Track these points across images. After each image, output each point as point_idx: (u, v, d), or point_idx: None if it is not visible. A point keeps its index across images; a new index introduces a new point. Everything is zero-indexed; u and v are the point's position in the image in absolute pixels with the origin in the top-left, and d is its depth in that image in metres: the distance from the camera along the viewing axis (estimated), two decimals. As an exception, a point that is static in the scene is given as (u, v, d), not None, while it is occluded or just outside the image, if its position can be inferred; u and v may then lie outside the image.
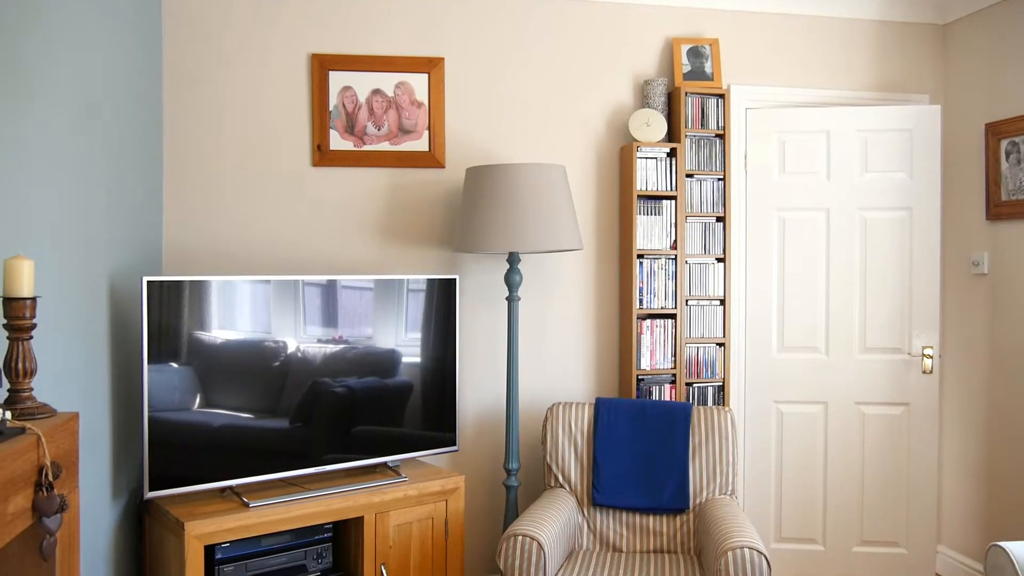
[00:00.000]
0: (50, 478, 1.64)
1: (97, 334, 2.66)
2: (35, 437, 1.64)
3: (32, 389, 1.80)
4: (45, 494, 1.63)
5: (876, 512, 4.01)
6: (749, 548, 2.67)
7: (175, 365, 2.84)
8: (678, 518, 3.29)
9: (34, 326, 1.79)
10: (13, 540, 1.75)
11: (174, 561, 2.79)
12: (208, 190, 3.55)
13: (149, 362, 2.78)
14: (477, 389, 3.85)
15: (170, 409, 2.83)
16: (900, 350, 4.00)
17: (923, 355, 3.96)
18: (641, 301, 3.77)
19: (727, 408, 3.39)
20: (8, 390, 1.79)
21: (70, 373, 2.41)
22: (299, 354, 3.09)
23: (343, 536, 3.25)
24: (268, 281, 3.03)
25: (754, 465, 4.05)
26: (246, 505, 2.91)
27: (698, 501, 3.30)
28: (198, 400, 2.89)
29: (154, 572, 2.97)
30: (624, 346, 3.88)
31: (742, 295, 4.05)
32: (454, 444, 3.46)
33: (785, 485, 4.04)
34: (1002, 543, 2.30)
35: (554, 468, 3.42)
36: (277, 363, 3.05)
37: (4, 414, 1.61)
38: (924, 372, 3.96)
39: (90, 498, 2.58)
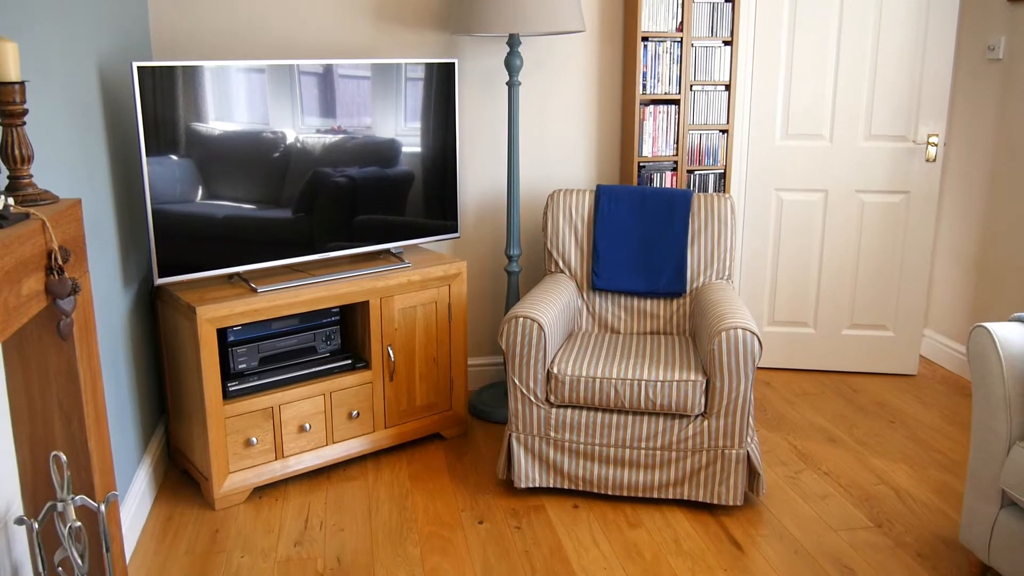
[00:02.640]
0: (59, 262, 1.68)
1: (91, 123, 2.62)
2: (40, 222, 1.65)
3: (32, 176, 1.79)
4: (56, 277, 1.67)
5: (867, 297, 4.12)
6: (742, 328, 2.77)
7: (174, 157, 2.82)
8: (675, 302, 3.39)
9: (26, 111, 1.75)
10: (32, 323, 1.81)
11: (189, 344, 2.90)
12: (192, -31, 3.37)
13: (148, 154, 2.76)
14: (478, 177, 3.84)
15: (173, 201, 2.84)
16: (905, 138, 3.95)
17: (928, 143, 3.91)
18: (644, 86, 3.68)
19: (727, 195, 3.39)
20: (8, 177, 1.78)
21: (68, 162, 2.39)
22: (299, 145, 3.06)
23: (350, 320, 3.36)
24: (263, 69, 2.95)
25: (752, 252, 4.12)
26: (254, 290, 2.99)
27: (695, 285, 3.38)
28: (200, 191, 2.89)
29: (171, 355, 3.10)
30: (626, 133, 3.83)
31: (748, 80, 3.95)
32: (456, 231, 3.50)
33: (781, 271, 4.13)
34: (986, 323, 2.38)
35: (555, 254, 3.48)
36: (277, 154, 3.02)
37: (7, 200, 1.62)
38: (927, 160, 3.93)
39: (102, 285, 2.65)
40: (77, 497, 1.77)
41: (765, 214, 4.07)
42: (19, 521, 1.70)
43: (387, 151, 3.27)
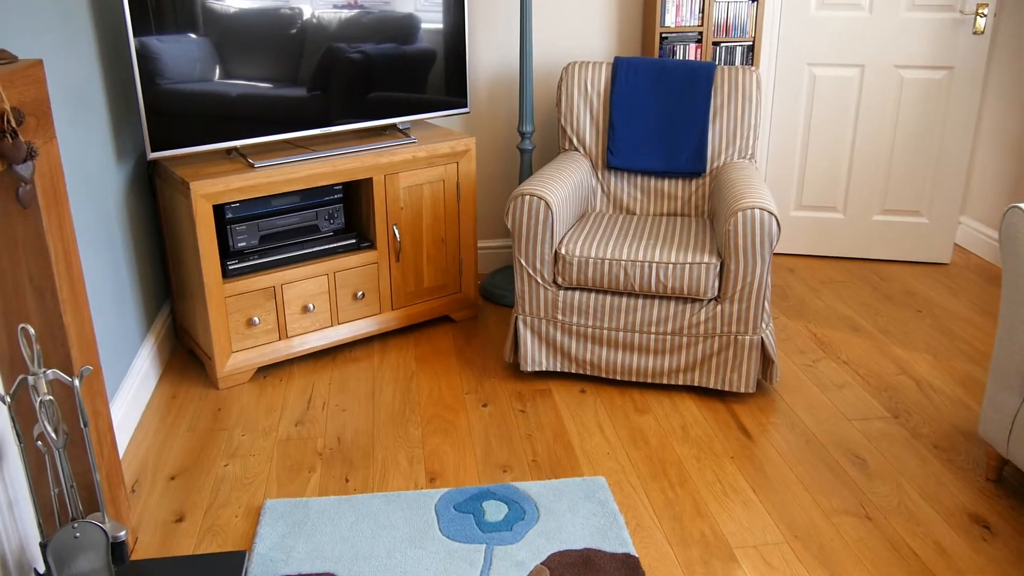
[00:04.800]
0: (12, 124, 1.57)
1: (71, -17, 2.47)
2: (-11, 81, 1.54)
3: (-15, 32, 1.67)
4: (10, 141, 1.56)
5: (901, 181, 3.91)
6: (760, 208, 2.61)
7: (171, 29, 2.66)
8: (694, 182, 3.22)
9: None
10: (-7, 189, 1.72)
11: (185, 221, 2.82)
12: None
13: (134, 22, 2.60)
14: (490, 50, 3.64)
15: (167, 72, 2.70)
16: (951, 7, 3.65)
17: (977, 13, 3.62)
18: (669, -50, 3.41)
19: (753, 68, 3.17)
20: (-41, 33, 1.66)
21: (39, 20, 2.26)
22: (314, 21, 2.88)
23: (355, 199, 3.25)
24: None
25: (779, 131, 3.91)
26: (251, 166, 2.88)
27: (715, 165, 3.20)
28: (197, 62, 2.75)
29: (171, 233, 3.02)
30: (648, 1, 3.58)
31: (784, -57, 3.65)
32: (465, 106, 3.33)
33: (811, 152, 3.92)
34: (1021, 204, 2.20)
35: (568, 131, 3.31)
36: (284, 26, 2.85)
37: (-49, 55, 1.50)
38: (975, 33, 3.64)
39: (91, 159, 2.55)
40: (48, 371, 1.71)
41: (795, 91, 3.84)
42: (-10, 394, 1.65)
43: (398, 23, 3.08)
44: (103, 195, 2.63)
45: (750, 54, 3.57)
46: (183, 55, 2.72)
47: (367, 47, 3.05)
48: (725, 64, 3.56)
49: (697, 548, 2.18)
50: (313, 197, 3.06)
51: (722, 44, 3.54)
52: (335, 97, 3.04)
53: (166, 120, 2.74)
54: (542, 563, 2.10)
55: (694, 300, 2.77)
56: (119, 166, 2.80)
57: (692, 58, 3.52)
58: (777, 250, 4.12)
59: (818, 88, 3.81)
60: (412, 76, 3.18)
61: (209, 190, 2.74)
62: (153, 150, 2.74)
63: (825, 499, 2.37)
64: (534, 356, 2.94)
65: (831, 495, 2.39)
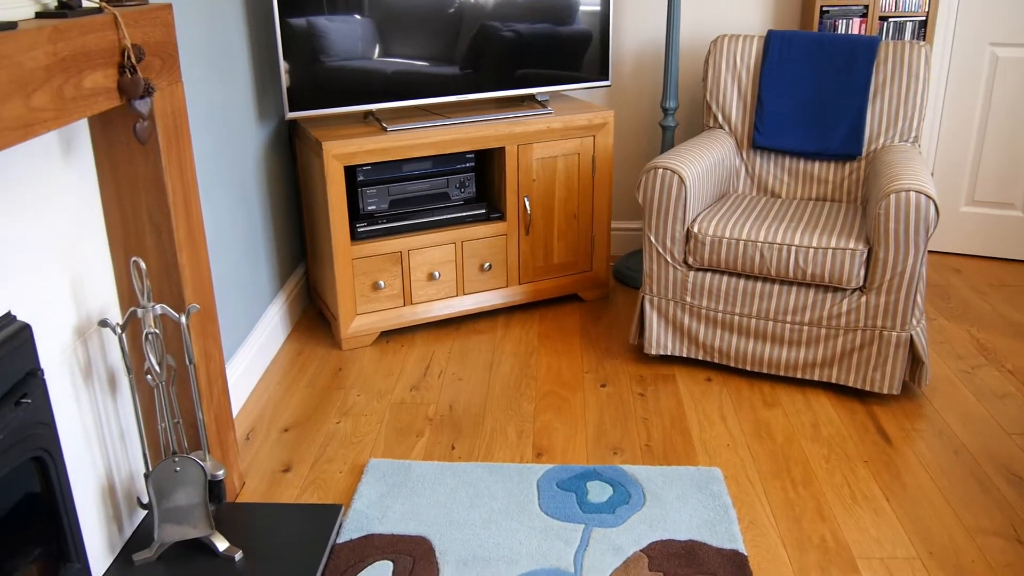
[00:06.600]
0: (132, 60, 1.60)
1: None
2: (111, 17, 1.58)
3: (118, -27, 1.72)
4: (129, 76, 1.60)
5: (1096, 177, 3.49)
6: (916, 191, 2.37)
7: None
8: (847, 165, 2.98)
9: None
10: (119, 130, 1.78)
11: (318, 182, 2.86)
12: None
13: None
14: (638, 21, 3.51)
15: (320, 45, 2.74)
16: None
17: None
18: (837, -84, 3.17)
19: (922, 43, 2.89)
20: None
21: (190, -22, 2.33)
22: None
23: (487, 170, 3.21)
24: None
25: (952, 117, 3.56)
26: (384, 129, 2.89)
27: (873, 148, 2.95)
28: (344, 32, 2.78)
29: (307, 194, 3.08)
30: (812, -26, 3.35)
31: (970, -90, 3.32)
32: (607, 78, 3.22)
33: (988, 143, 3.55)
34: None
35: (714, 107, 3.13)
36: (444, 6, 2.84)
37: (81, -9, 1.55)
38: None
39: (232, 116, 2.62)
40: (157, 305, 1.75)
41: (974, 72, 3.48)
42: (102, 323, 1.71)
43: (534, -14, 3.01)
44: (242, 154, 2.71)
45: (922, 30, 3.27)
46: (329, 25, 2.75)
47: (517, 24, 2.99)
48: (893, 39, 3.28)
49: (815, 553, 2.00)
50: (445, 164, 3.04)
51: (890, 19, 3.26)
52: (471, 64, 3.00)
53: (304, 81, 2.79)
54: (641, 550, 1.98)
55: (836, 289, 2.55)
56: (260, 126, 2.88)
57: (856, 33, 3.26)
58: (943, 248, 3.77)
59: (1000, 71, 3.45)
60: (554, 47, 3.10)
61: (341, 151, 2.77)
62: (291, 110, 2.79)
63: (970, 516, 2.12)
64: (659, 339, 2.81)
65: (978, 513, 2.13)
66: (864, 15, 3.25)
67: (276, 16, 2.68)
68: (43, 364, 1.61)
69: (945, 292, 3.40)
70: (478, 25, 2.96)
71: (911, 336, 2.51)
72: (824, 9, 3.25)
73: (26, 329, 1.47)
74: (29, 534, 1.55)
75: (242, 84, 2.72)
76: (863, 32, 3.26)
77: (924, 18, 3.25)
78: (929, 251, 3.76)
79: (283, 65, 2.73)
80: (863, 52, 2.90)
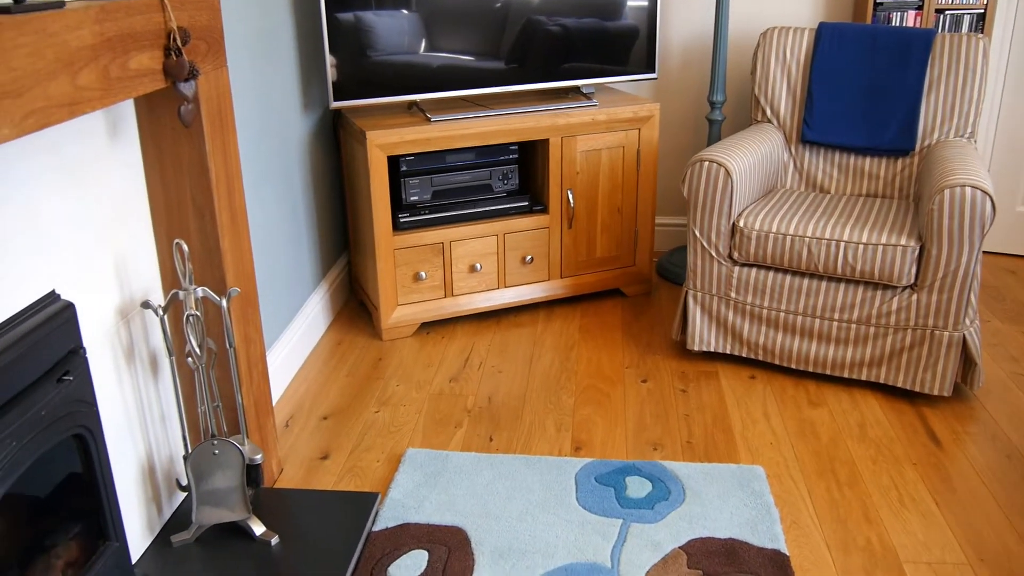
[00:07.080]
0: (177, 43, 1.61)
1: (269, -69, 2.55)
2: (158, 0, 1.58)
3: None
4: (174, 58, 1.61)
5: None
6: (972, 187, 2.30)
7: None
8: (900, 161, 2.91)
9: None
10: (164, 113, 1.79)
11: (361, 171, 2.86)
12: None
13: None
14: (685, 12, 3.46)
15: (366, 38, 2.75)
16: None
17: None
18: (894, -94, 3.09)
19: (980, 35, 2.80)
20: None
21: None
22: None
23: (531, 162, 3.19)
24: None
25: (1012, 114, 3.46)
26: (428, 120, 2.88)
27: (926, 143, 2.87)
28: (391, 25, 2.78)
29: (350, 184, 3.09)
30: (866, -35, 3.27)
31: (1034, -100, 3.22)
32: (653, 71, 3.18)
33: (1048, 140, 3.44)
34: None
35: (762, 101, 3.08)
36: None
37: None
38: None
39: (277, 105, 2.63)
40: (198, 288, 1.76)
41: (1036, 69, 3.38)
42: (145, 304, 1.72)
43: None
44: (286, 143, 2.72)
45: (980, 23, 3.17)
46: (375, 20, 2.75)
47: (563, 19, 2.97)
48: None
49: (859, 556, 1.94)
50: (488, 156, 3.02)
51: (947, 12, 3.17)
52: (516, 59, 2.98)
53: (350, 73, 2.79)
54: (680, 547, 1.94)
55: (886, 287, 2.49)
56: (304, 116, 2.89)
57: (911, 26, 3.18)
58: (999, 249, 3.67)
59: (1063, 66, 3.34)
60: (599, 41, 3.07)
61: (384, 140, 2.76)
62: (336, 99, 2.80)
63: (1024, 522, 2.05)
64: (702, 335, 2.76)
65: (1032, 519, 2.06)
66: (920, 8, 3.16)
67: (323, 11, 2.68)
68: (85, 343, 1.62)
69: (1000, 293, 3.30)
70: (524, 19, 2.94)
71: (964, 336, 2.44)
72: (878, 2, 3.18)
73: (70, 308, 1.49)
74: (69, 511, 1.56)
75: (287, 73, 2.73)
76: (918, 25, 3.18)
77: (983, 11, 3.16)
78: (983, 252, 3.66)
79: (329, 59, 2.74)
80: (918, 45, 2.83)
